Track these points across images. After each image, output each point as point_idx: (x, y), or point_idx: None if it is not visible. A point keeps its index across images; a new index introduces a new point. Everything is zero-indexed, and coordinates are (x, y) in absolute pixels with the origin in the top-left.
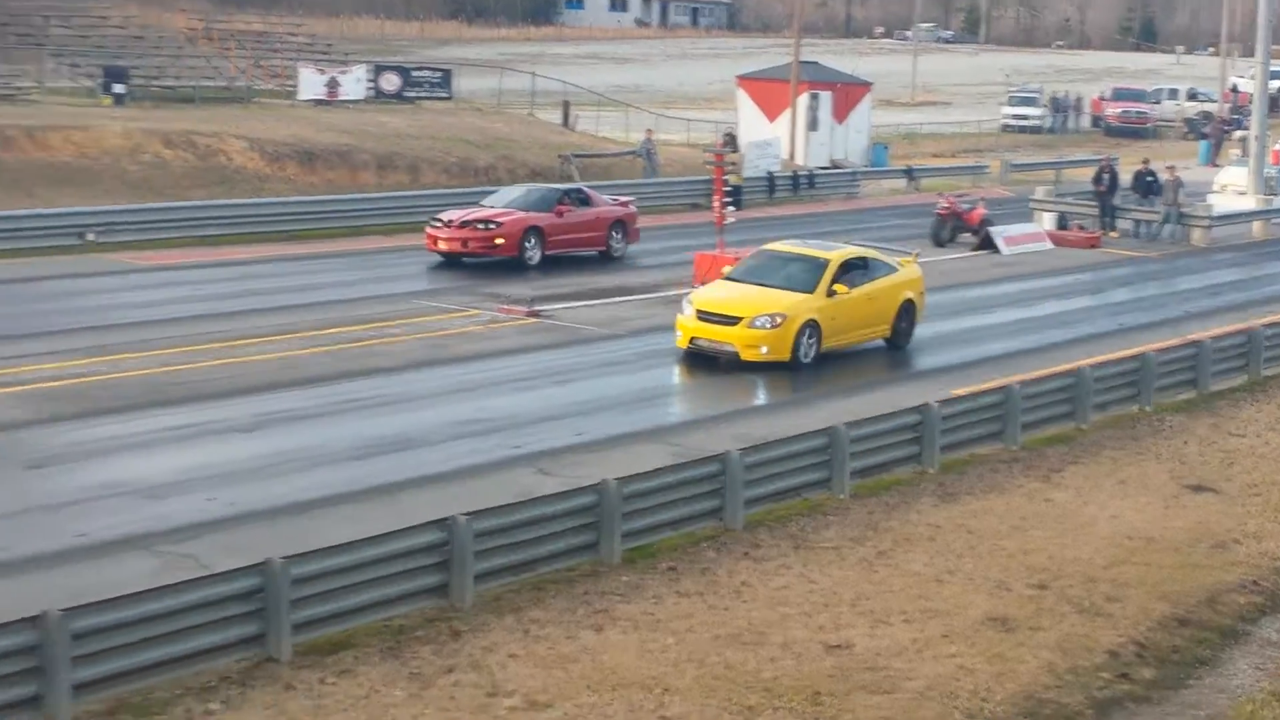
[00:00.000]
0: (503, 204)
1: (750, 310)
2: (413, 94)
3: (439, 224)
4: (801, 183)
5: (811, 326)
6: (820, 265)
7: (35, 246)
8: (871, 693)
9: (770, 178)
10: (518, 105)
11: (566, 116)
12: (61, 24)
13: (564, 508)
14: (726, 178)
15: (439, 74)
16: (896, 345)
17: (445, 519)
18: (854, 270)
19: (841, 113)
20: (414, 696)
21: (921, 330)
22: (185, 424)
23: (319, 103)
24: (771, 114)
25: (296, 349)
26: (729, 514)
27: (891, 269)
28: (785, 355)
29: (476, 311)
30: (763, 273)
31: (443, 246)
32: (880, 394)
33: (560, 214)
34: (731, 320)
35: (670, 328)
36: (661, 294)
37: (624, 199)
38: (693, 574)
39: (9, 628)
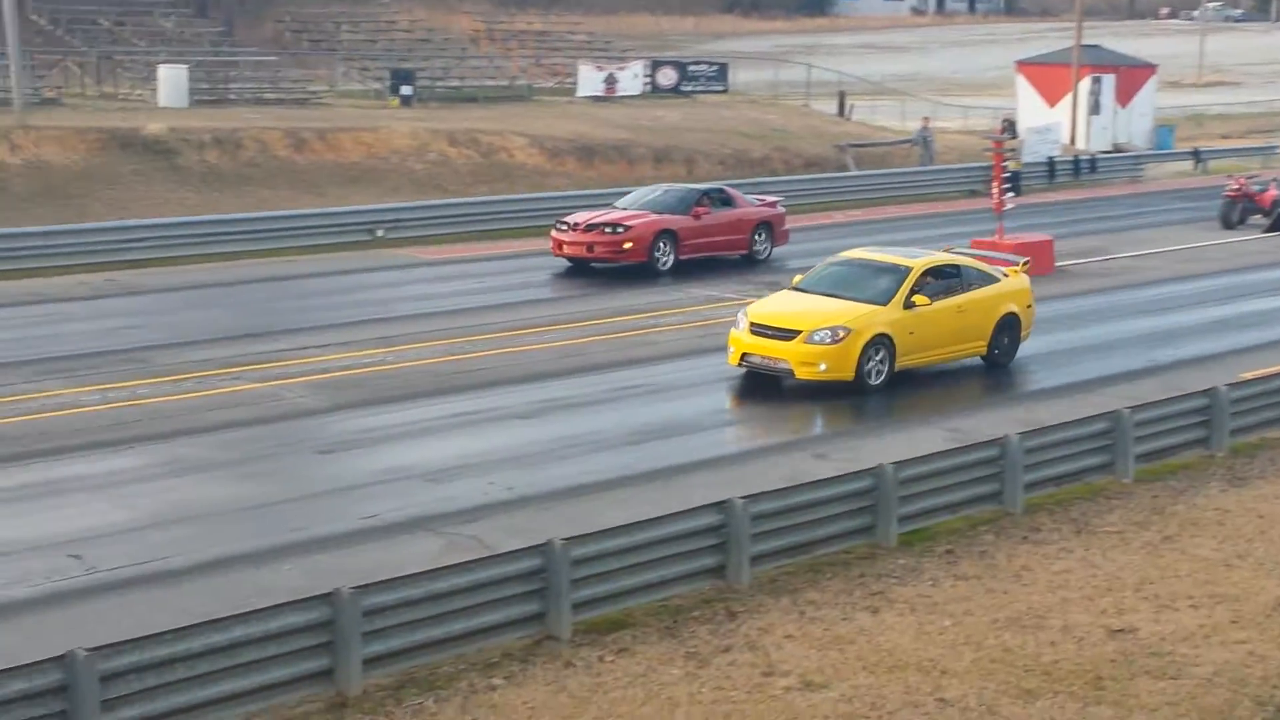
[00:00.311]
0: (636, 205)
1: (810, 323)
2: (689, 88)
3: (565, 227)
4: (1083, 167)
5: (882, 342)
6: (898, 273)
7: (328, 243)
8: (1156, 678)
9: (1050, 163)
10: (793, 96)
11: (842, 106)
12: (352, 29)
13: (840, 491)
14: (1005, 164)
15: (715, 67)
16: (995, 363)
17: (723, 502)
18: (943, 279)
19: (1125, 96)
20: (690, 675)
21: (1199, 315)
22: (466, 411)
23: (597, 99)
24: (1051, 99)
25: (574, 338)
26: (1008, 498)
27: (990, 279)
28: (848, 374)
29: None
30: (834, 282)
31: (567, 251)
32: (1163, 378)
33: (697, 216)
34: (788, 334)
35: None
36: None
37: (770, 198)
38: (970, 557)
39: (304, 604)
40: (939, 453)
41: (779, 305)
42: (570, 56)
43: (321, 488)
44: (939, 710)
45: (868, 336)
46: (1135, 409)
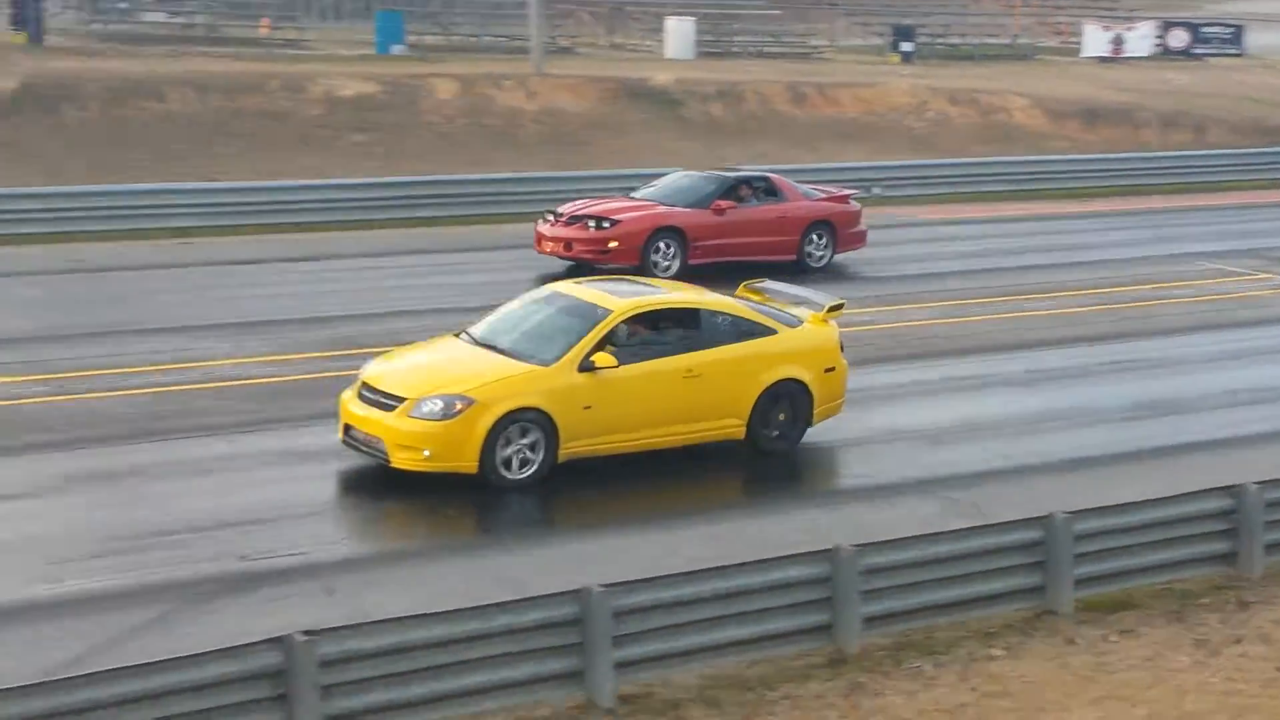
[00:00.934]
0: (653, 194)
1: (421, 388)
2: (1201, 50)
3: (550, 218)
4: None
5: (531, 419)
6: (587, 318)
7: None
8: None
9: None
10: None
11: None
12: None
13: None
14: None
15: (1230, 29)
16: (768, 450)
17: (1234, 486)
18: (668, 329)
19: None
20: (1200, 664)
21: None
22: (963, 375)
23: (1102, 60)
24: None
25: (1073, 306)
26: None
27: (762, 330)
28: (469, 464)
29: (1267, 275)
30: (508, 327)
31: (548, 249)
32: None
33: (719, 210)
34: (391, 402)
35: None
36: None
37: (842, 191)
38: None
39: (805, 558)
40: None
41: (404, 359)
42: (1074, 16)
43: (817, 442)
44: None
45: (501, 411)
46: None
